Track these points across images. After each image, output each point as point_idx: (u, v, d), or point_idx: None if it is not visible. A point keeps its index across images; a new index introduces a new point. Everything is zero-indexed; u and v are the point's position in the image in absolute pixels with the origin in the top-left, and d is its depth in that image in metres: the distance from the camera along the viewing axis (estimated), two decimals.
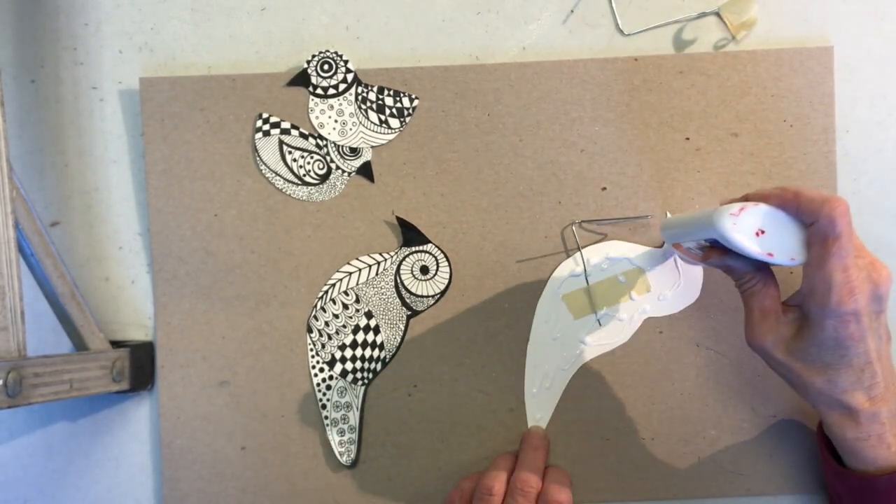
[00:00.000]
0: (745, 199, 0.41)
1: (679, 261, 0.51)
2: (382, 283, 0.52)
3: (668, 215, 0.51)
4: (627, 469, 0.51)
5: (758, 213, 0.39)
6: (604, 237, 0.52)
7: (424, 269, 0.52)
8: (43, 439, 0.53)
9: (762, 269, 0.42)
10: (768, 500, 0.51)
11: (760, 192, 0.41)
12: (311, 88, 0.52)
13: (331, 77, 0.52)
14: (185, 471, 0.52)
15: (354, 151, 0.52)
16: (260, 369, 0.52)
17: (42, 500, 0.53)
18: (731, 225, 0.39)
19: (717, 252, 0.43)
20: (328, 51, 0.52)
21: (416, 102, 0.52)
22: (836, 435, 0.42)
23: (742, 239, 0.39)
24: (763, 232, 0.39)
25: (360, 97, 0.52)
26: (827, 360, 0.40)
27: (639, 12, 0.52)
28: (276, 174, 0.52)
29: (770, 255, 0.39)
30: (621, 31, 0.52)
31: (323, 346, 0.52)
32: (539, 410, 0.51)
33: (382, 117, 0.52)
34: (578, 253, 0.51)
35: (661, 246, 0.51)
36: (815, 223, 0.38)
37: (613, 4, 0.52)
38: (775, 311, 0.42)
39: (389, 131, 0.52)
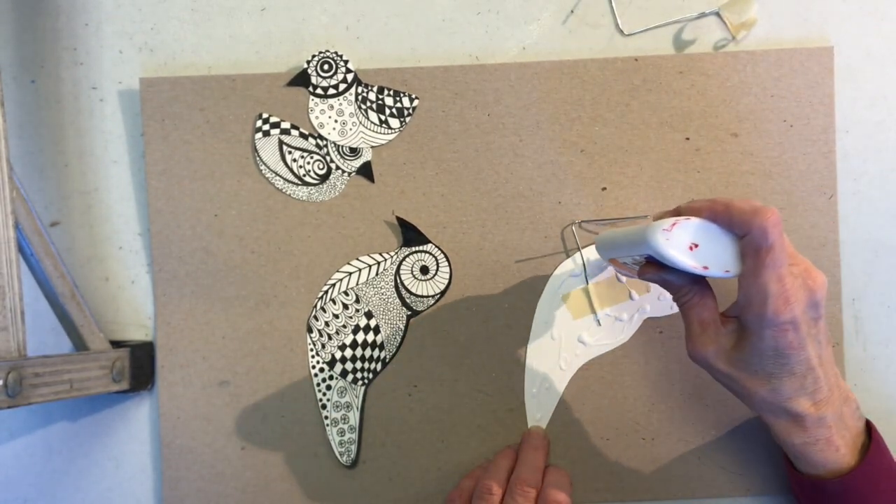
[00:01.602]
0: (677, 212, 0.41)
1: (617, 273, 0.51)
2: (382, 283, 0.52)
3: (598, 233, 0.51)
4: (627, 469, 0.51)
5: (690, 227, 0.39)
6: None
7: (424, 269, 0.52)
8: (43, 439, 0.53)
9: (698, 281, 0.42)
10: (768, 500, 0.51)
11: (692, 206, 0.41)
12: (311, 88, 0.52)
13: (331, 77, 0.52)
14: (185, 471, 0.52)
15: (354, 151, 0.52)
16: (260, 369, 0.52)
17: (42, 500, 0.53)
18: (664, 240, 0.39)
19: (652, 267, 0.42)
20: (328, 51, 0.52)
21: (416, 102, 0.52)
22: (784, 441, 0.42)
23: (676, 254, 0.39)
24: (696, 245, 0.39)
25: (360, 97, 0.52)
26: (769, 370, 0.40)
27: (639, 12, 0.52)
28: (276, 174, 0.52)
29: (705, 268, 0.39)
30: (621, 31, 0.52)
31: (323, 346, 0.52)
32: (539, 410, 0.51)
33: (382, 117, 0.52)
34: (578, 253, 0.51)
35: None
36: (748, 234, 0.38)
37: (613, 4, 0.52)
38: (714, 323, 0.42)
39: (389, 131, 0.52)
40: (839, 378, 0.42)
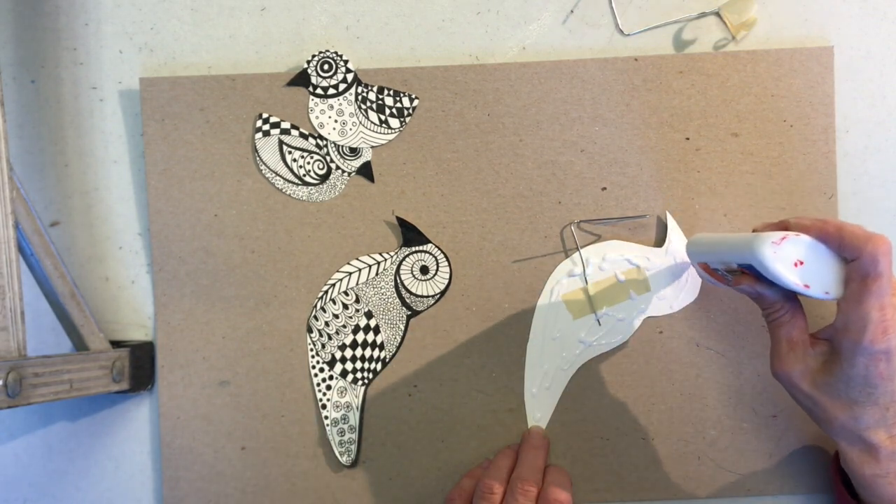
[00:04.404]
0: (784, 226, 0.41)
1: (690, 276, 0.51)
2: (382, 283, 0.52)
3: (685, 235, 0.50)
4: (627, 469, 0.51)
5: (799, 244, 0.39)
6: (603, 237, 0.52)
7: (424, 269, 0.52)
8: (43, 439, 0.53)
9: (791, 299, 0.42)
10: (768, 500, 0.51)
11: (800, 221, 0.41)
12: (311, 88, 0.52)
13: (331, 77, 0.52)
14: (185, 471, 0.52)
15: (354, 151, 0.52)
16: (260, 369, 0.52)
17: (42, 500, 0.53)
18: (771, 253, 0.38)
19: (748, 278, 0.42)
20: (328, 51, 0.52)
21: (416, 102, 0.52)
22: (853, 470, 0.42)
23: (781, 268, 0.39)
24: (802, 263, 0.39)
25: (360, 97, 0.52)
26: (853, 397, 0.40)
27: (639, 12, 0.52)
28: (276, 174, 0.52)
29: (806, 286, 0.39)
30: (621, 31, 0.52)
31: (323, 346, 0.52)
32: (539, 410, 0.51)
33: (382, 117, 0.52)
34: (577, 253, 0.51)
35: (660, 246, 0.51)
36: (858, 259, 0.38)
37: (613, 4, 0.52)
38: (803, 343, 0.42)
39: (389, 131, 0.52)
40: None
